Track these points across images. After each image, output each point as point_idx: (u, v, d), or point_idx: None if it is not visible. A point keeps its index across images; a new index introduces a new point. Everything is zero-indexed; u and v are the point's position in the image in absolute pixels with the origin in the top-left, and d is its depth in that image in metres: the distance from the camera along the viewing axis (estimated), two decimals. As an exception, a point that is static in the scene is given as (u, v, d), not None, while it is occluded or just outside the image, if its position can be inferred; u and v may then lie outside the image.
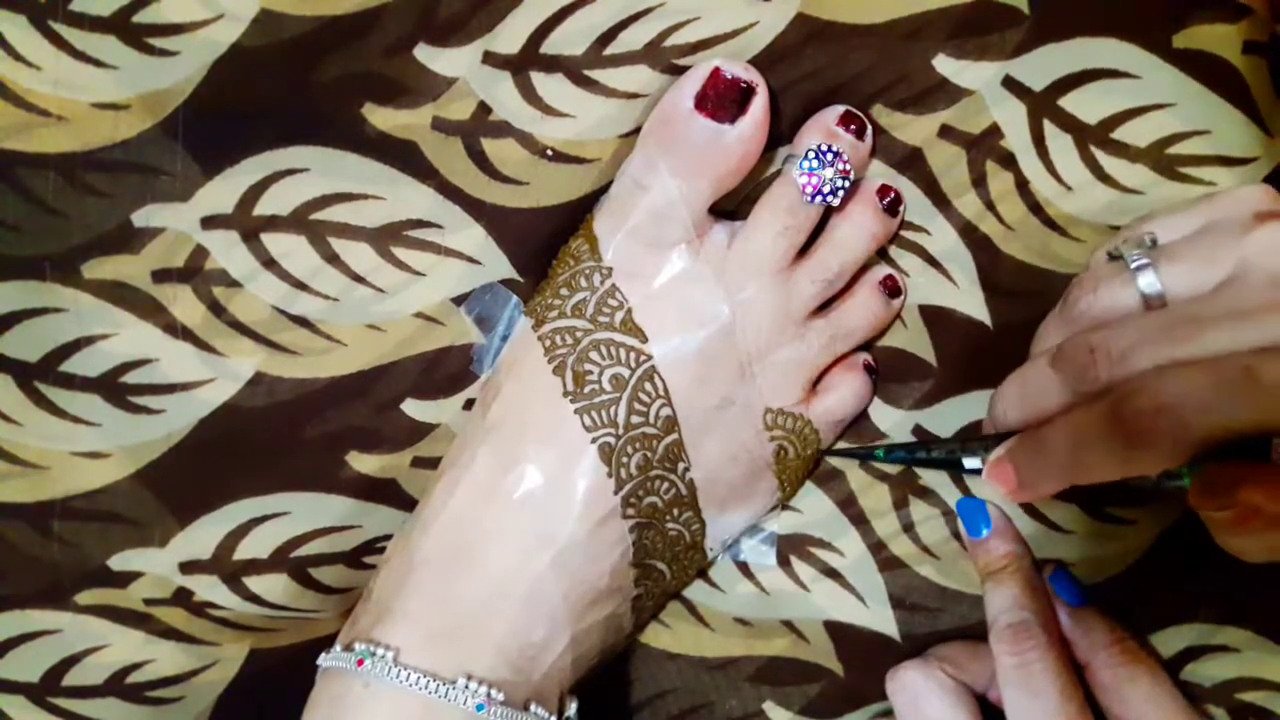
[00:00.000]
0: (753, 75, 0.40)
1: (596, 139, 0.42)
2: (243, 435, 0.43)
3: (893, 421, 0.44)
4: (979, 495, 0.42)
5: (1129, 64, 0.41)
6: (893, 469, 0.44)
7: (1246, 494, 0.30)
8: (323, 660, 0.39)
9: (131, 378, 0.43)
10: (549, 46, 0.41)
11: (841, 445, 0.44)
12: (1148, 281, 0.34)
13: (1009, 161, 0.42)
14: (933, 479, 0.44)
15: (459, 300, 0.43)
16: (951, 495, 0.44)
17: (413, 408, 0.44)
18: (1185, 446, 0.30)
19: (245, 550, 0.44)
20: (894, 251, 0.44)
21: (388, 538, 0.45)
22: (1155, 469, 0.32)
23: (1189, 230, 0.35)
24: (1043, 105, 0.41)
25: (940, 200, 0.43)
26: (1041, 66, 0.41)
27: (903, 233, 0.43)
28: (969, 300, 0.43)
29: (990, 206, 0.42)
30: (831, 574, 0.45)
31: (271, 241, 0.42)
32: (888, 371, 0.44)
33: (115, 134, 0.41)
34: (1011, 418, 0.36)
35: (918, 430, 0.44)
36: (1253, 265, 0.33)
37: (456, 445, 0.42)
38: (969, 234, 0.43)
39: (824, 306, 0.43)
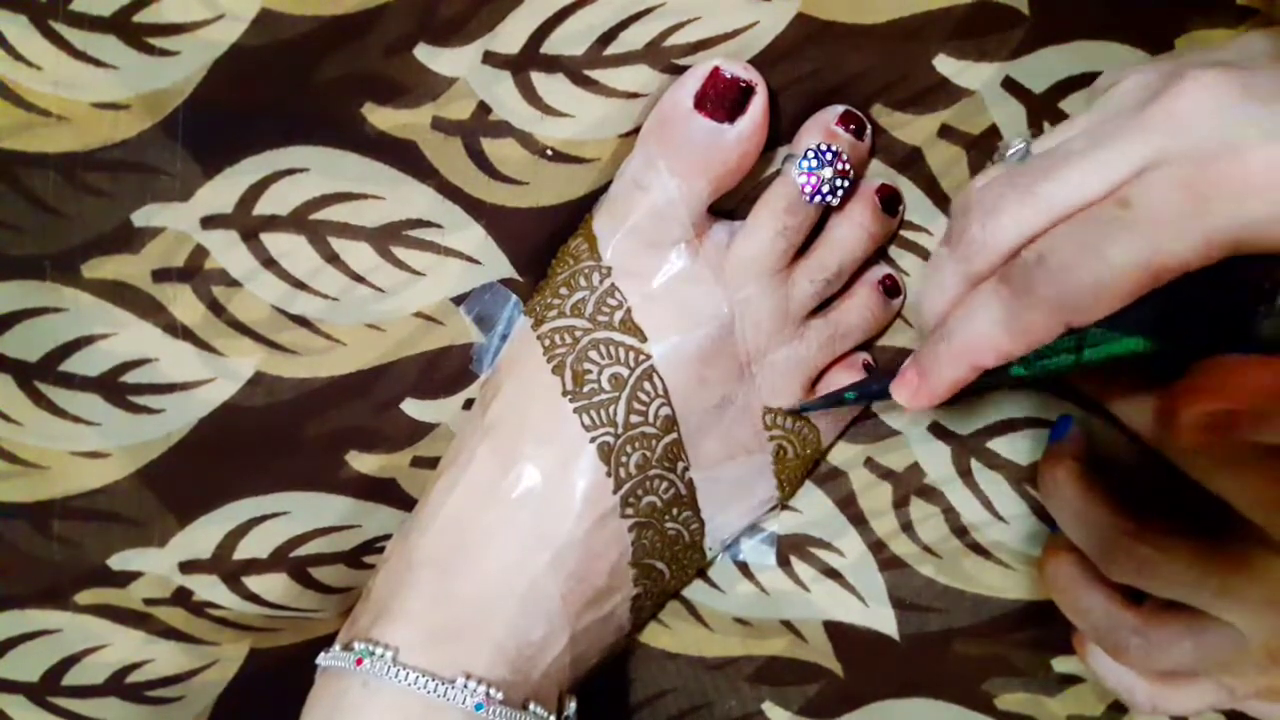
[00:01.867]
0: (752, 75, 0.40)
1: (596, 139, 0.42)
2: (242, 435, 0.43)
3: (906, 420, 0.44)
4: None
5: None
6: (899, 466, 0.44)
7: (1234, 386, 0.28)
8: (322, 659, 0.39)
9: (131, 377, 0.43)
10: (549, 46, 0.41)
11: (848, 449, 0.44)
12: (1021, 158, 0.33)
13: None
14: (935, 476, 0.44)
15: (459, 300, 0.43)
16: (954, 493, 0.44)
17: (412, 407, 0.44)
18: (1073, 298, 0.29)
19: (245, 550, 0.44)
20: (894, 251, 0.44)
21: (387, 537, 0.45)
22: (1048, 330, 0.30)
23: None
24: (1042, 107, 0.41)
25: (941, 200, 0.43)
26: (1042, 68, 0.41)
27: (903, 233, 0.43)
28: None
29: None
30: (831, 574, 0.45)
31: (271, 241, 0.42)
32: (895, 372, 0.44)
33: (115, 134, 0.41)
34: (926, 317, 0.34)
35: (934, 427, 0.44)
36: (1112, 103, 0.32)
37: (455, 444, 0.42)
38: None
39: (823, 306, 0.43)
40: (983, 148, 0.42)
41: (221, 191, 0.42)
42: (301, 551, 0.44)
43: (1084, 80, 0.41)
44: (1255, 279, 0.30)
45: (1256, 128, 0.28)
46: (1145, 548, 0.35)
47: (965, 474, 0.44)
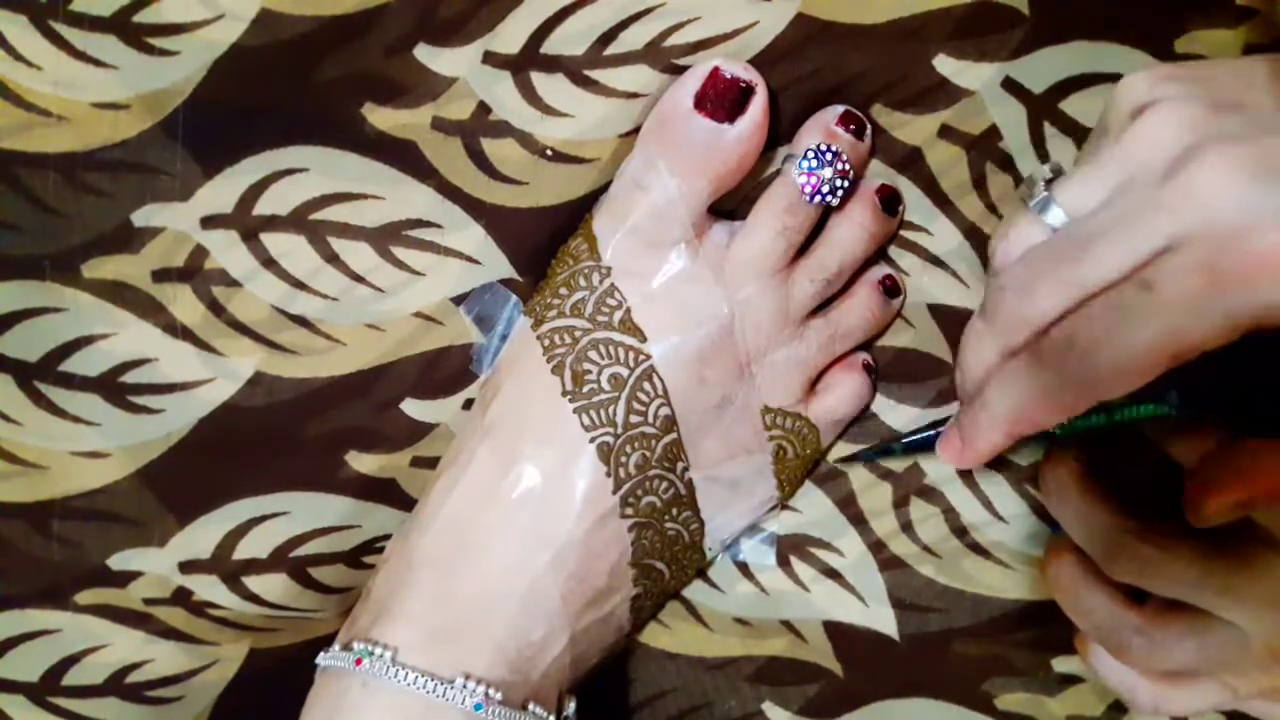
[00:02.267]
0: (752, 75, 0.40)
1: (596, 139, 0.42)
2: (242, 435, 0.43)
3: (906, 419, 0.44)
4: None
5: (1130, 67, 0.41)
6: (899, 464, 0.44)
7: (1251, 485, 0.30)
8: (321, 659, 0.39)
9: (131, 377, 0.43)
10: (549, 46, 0.41)
11: (846, 449, 0.44)
12: (1050, 212, 0.33)
13: (1008, 163, 0.42)
14: (936, 476, 0.44)
15: (458, 300, 0.43)
16: (954, 493, 0.44)
17: (412, 407, 0.44)
18: (1100, 377, 0.30)
19: (245, 550, 0.44)
20: (894, 251, 0.44)
21: (387, 537, 0.45)
22: (1078, 405, 0.31)
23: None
24: (1042, 107, 0.41)
25: (940, 200, 0.43)
26: (1042, 68, 0.41)
27: (903, 232, 0.43)
28: (980, 299, 0.43)
29: (992, 209, 0.42)
30: (831, 574, 0.45)
31: (271, 241, 0.42)
32: (900, 372, 0.44)
33: (115, 134, 0.41)
34: (967, 385, 0.35)
35: (934, 428, 0.44)
36: (1136, 163, 0.32)
37: (455, 445, 0.42)
38: (973, 235, 0.43)
39: (823, 306, 0.43)
40: (983, 148, 0.42)
41: (221, 191, 0.42)
42: (301, 551, 0.44)
43: (1084, 80, 0.41)
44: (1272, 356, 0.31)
45: (1269, 208, 0.28)
46: (1148, 547, 0.35)
47: (965, 474, 0.44)
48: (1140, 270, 0.30)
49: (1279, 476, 0.30)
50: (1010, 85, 0.41)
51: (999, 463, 0.44)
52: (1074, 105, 0.41)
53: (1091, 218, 0.32)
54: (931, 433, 0.41)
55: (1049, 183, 0.34)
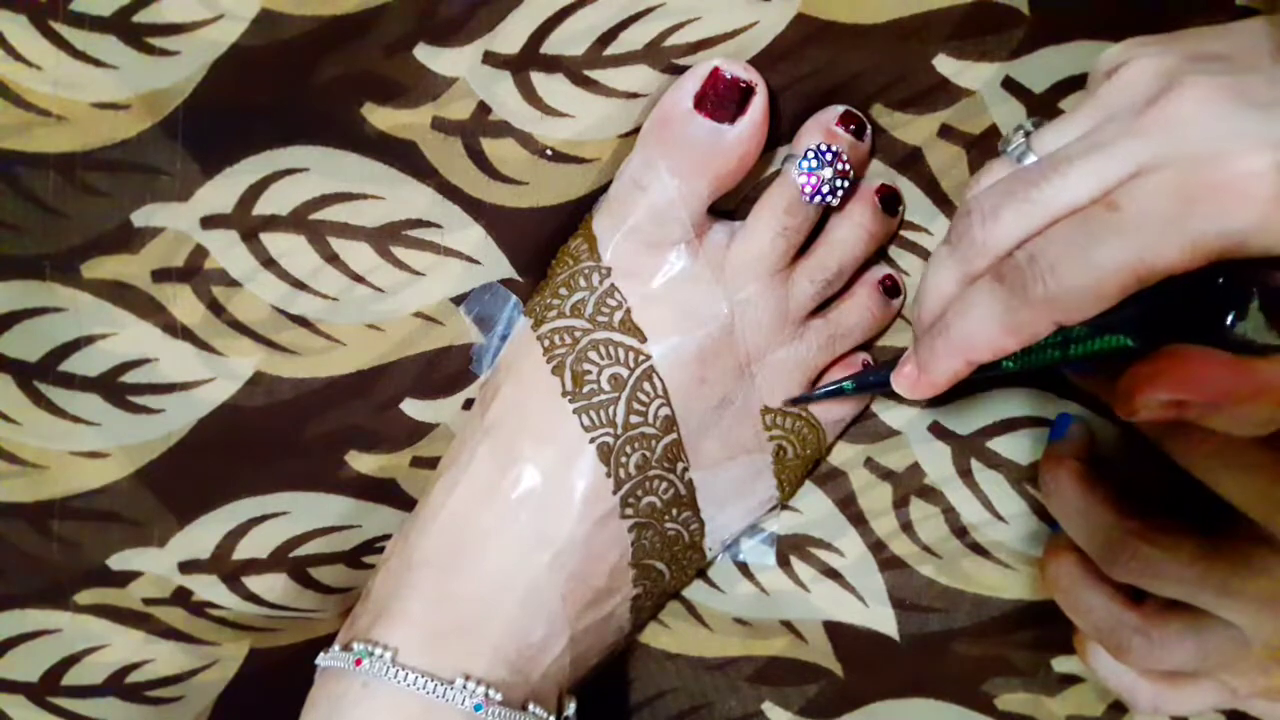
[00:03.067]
0: (752, 75, 0.40)
1: (596, 139, 0.42)
2: (242, 435, 0.43)
3: (906, 419, 0.44)
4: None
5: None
6: (899, 466, 0.44)
7: (1142, 392, 0.30)
8: (321, 660, 0.39)
9: (131, 377, 0.43)
10: (549, 46, 0.41)
11: (846, 449, 0.44)
12: (1026, 160, 0.33)
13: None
14: (935, 476, 0.44)
15: (458, 300, 0.43)
16: (954, 492, 0.44)
17: (412, 407, 0.44)
18: (1060, 296, 0.30)
19: (244, 550, 0.44)
20: (894, 251, 0.44)
21: (387, 537, 0.45)
22: (1038, 327, 0.31)
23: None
24: (1042, 107, 0.41)
25: (941, 200, 0.43)
26: (1042, 68, 0.41)
27: (903, 233, 0.43)
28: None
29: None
30: (831, 574, 0.45)
31: (271, 241, 0.42)
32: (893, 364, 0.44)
33: (115, 134, 0.41)
34: (924, 314, 0.35)
35: (935, 427, 0.44)
36: (1112, 107, 0.32)
37: (455, 445, 0.42)
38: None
39: (823, 306, 0.43)
40: (983, 148, 0.42)
41: (221, 191, 0.42)
42: (301, 551, 0.44)
43: (1084, 81, 0.41)
44: (1235, 284, 0.30)
45: (1246, 135, 0.28)
46: (1148, 546, 0.35)
47: (965, 474, 0.44)
48: (1108, 195, 0.30)
49: (1215, 382, 0.29)
50: (1010, 85, 0.41)
51: (997, 460, 0.44)
52: (1074, 105, 0.41)
53: (1063, 148, 0.32)
54: (885, 371, 0.38)
55: (1028, 134, 0.34)
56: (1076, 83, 0.41)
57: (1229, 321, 0.30)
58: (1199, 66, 0.30)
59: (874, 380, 0.41)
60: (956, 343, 0.33)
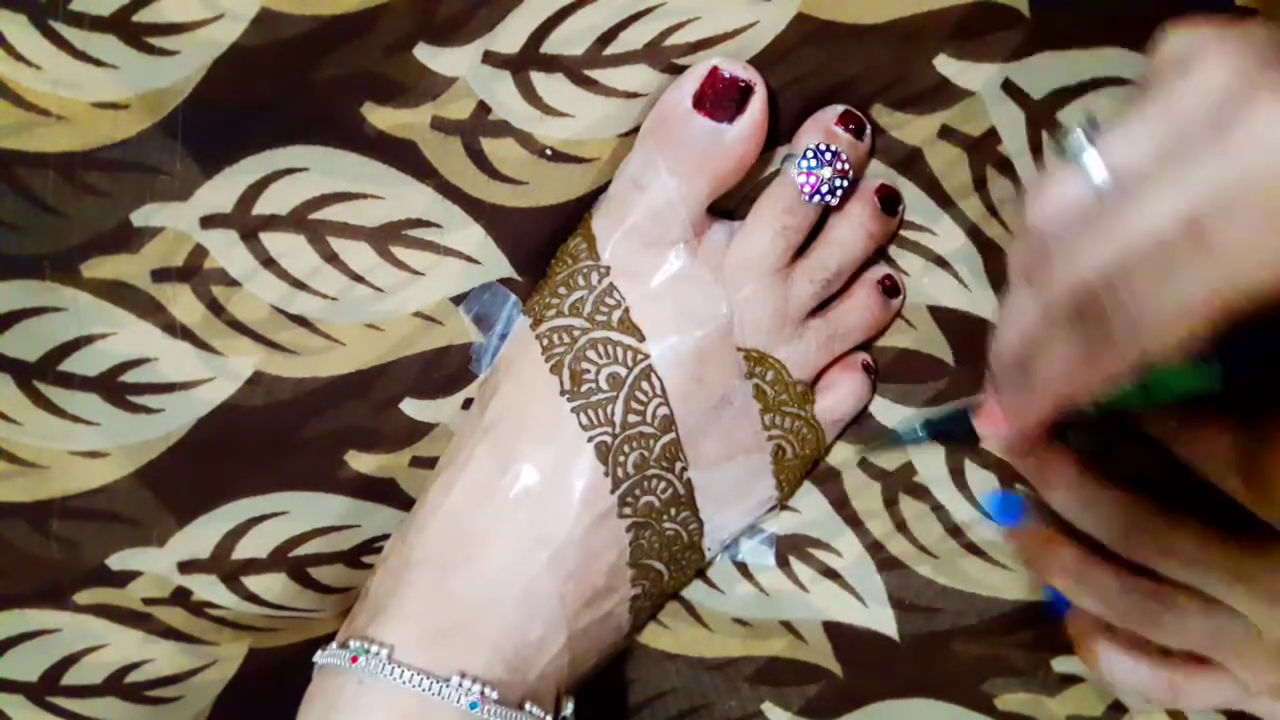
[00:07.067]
0: (751, 75, 0.40)
1: (596, 139, 0.42)
2: (241, 434, 0.43)
3: (902, 419, 0.44)
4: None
5: (1130, 71, 0.41)
6: (891, 466, 0.44)
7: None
8: (318, 657, 0.39)
9: (130, 377, 0.43)
10: (549, 46, 0.41)
11: (846, 449, 0.44)
12: (1091, 167, 0.31)
13: (1006, 166, 0.42)
14: (927, 474, 0.44)
15: (458, 299, 0.43)
16: (941, 491, 0.44)
17: (411, 407, 0.44)
18: (1145, 330, 0.28)
19: (244, 550, 0.44)
20: (895, 251, 0.44)
21: (386, 537, 0.45)
22: (1123, 362, 0.29)
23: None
24: (1041, 114, 0.41)
25: (942, 200, 0.43)
26: (1041, 73, 0.41)
27: (904, 233, 0.43)
28: (981, 301, 0.43)
29: (993, 210, 0.42)
30: (830, 574, 0.45)
31: (270, 241, 0.42)
32: (900, 372, 0.44)
33: (115, 134, 0.41)
34: (1005, 352, 0.33)
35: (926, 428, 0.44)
36: (1183, 113, 0.29)
37: (454, 444, 0.42)
38: (976, 236, 0.43)
39: (822, 306, 0.43)
40: (983, 149, 0.42)
41: (221, 191, 0.42)
42: (300, 551, 0.44)
43: (1081, 91, 0.41)
44: None
45: None
46: (1166, 522, 0.34)
47: (957, 473, 0.44)
48: (1194, 216, 0.28)
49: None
50: (1010, 88, 0.41)
51: (990, 459, 0.43)
52: (1073, 112, 0.41)
53: (1138, 167, 0.30)
54: (957, 409, 0.36)
55: (1088, 136, 0.31)
56: (1074, 92, 0.41)
57: None
58: (1273, 76, 0.29)
59: (952, 429, 0.37)
60: (1047, 388, 0.31)
